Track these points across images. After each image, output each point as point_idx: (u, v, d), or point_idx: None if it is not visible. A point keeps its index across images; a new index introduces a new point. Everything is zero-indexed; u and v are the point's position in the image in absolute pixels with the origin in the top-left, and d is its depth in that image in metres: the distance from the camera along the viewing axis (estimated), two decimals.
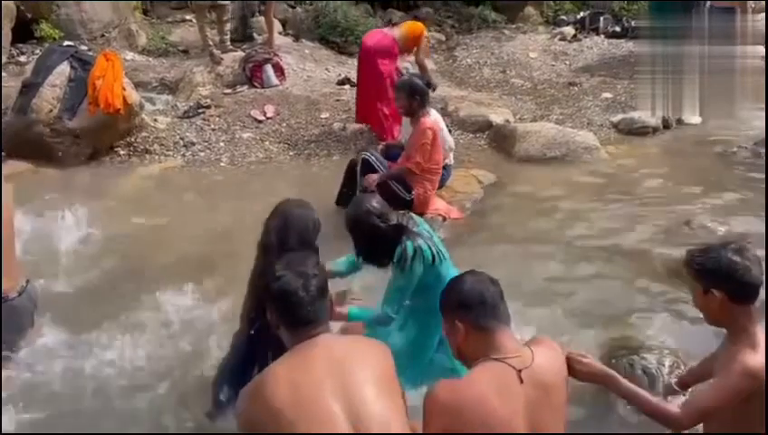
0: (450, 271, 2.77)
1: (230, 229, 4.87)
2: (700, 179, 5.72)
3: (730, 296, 1.96)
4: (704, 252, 2.04)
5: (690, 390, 2.45)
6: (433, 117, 4.98)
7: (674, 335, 3.47)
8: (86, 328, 3.52)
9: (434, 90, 5.99)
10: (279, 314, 1.78)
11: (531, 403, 1.72)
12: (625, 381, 2.05)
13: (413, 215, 2.99)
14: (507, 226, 4.99)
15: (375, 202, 2.77)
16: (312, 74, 8.10)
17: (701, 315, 3.66)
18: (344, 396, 1.63)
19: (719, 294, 1.97)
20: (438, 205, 5.06)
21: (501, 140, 6.73)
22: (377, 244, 2.71)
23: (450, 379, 1.85)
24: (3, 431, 1.72)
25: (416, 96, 4.86)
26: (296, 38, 9.00)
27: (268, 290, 1.80)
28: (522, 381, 1.71)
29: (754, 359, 1.91)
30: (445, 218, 5.00)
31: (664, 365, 3.06)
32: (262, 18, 8.62)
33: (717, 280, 1.97)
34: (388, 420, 1.64)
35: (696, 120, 7.29)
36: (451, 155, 5.52)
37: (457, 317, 1.81)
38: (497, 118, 7.10)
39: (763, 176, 5.77)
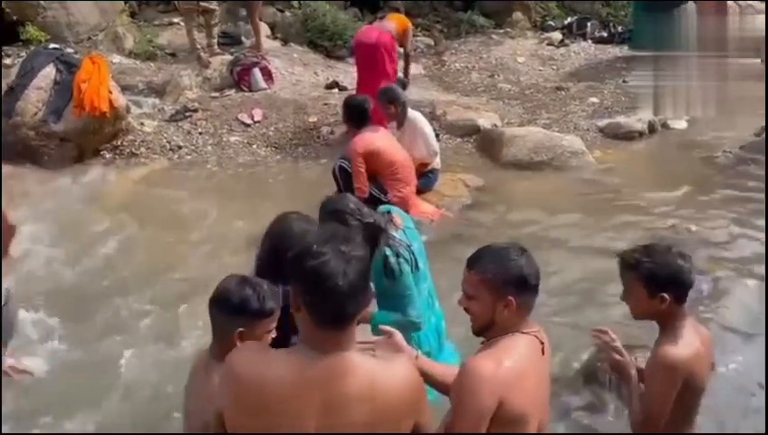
0: (421, 284, 2.73)
1: (217, 236, 4.86)
2: (685, 184, 5.76)
3: (676, 299, 2.03)
4: (649, 256, 2.06)
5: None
6: (411, 119, 5.02)
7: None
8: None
9: (405, 88, 6.02)
10: (304, 299, 1.46)
11: (546, 371, 1.85)
12: (634, 387, 2.08)
13: (399, 213, 2.97)
14: (494, 229, 5.00)
15: (348, 201, 2.70)
16: (301, 78, 8.10)
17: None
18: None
19: (668, 297, 2.02)
20: (425, 208, 5.08)
21: (488, 144, 6.75)
22: None
23: (482, 353, 1.75)
24: (3, 432, 1.66)
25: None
26: (285, 42, 8.99)
27: (298, 264, 1.46)
28: (543, 353, 1.81)
29: (676, 351, 2.01)
30: (432, 221, 5.01)
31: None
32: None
33: (668, 285, 2.02)
34: None
35: (682, 124, 7.36)
36: (438, 159, 5.54)
37: (512, 293, 1.76)
38: (485, 122, 7.12)
39: (747, 181, 5.85)
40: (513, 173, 6.14)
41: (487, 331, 1.81)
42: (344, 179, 4.91)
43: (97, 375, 3.28)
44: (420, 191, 5.26)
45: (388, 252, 2.58)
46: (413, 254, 2.69)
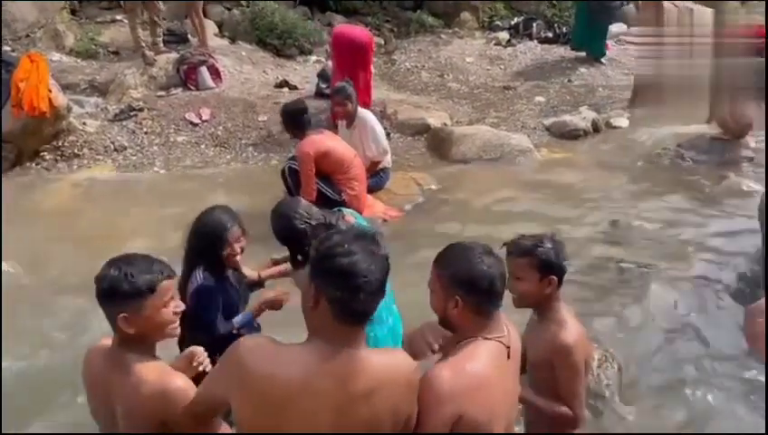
0: None
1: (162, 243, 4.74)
2: (627, 180, 5.96)
3: (559, 282, 2.16)
4: (541, 242, 2.16)
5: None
6: (362, 118, 5.03)
7: (603, 330, 3.60)
8: None
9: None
10: (331, 295, 1.49)
11: (513, 375, 1.85)
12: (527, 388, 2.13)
13: (350, 212, 2.98)
14: (445, 226, 5.06)
15: (296, 205, 2.76)
16: (250, 77, 8.00)
17: (627, 310, 3.87)
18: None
19: (554, 280, 2.14)
20: (376, 208, 5.10)
21: (438, 142, 6.83)
22: (305, 245, 2.70)
23: (442, 364, 1.72)
24: (3, 432, 1.61)
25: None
26: (233, 40, 8.86)
27: (325, 261, 1.51)
28: (509, 357, 1.79)
29: (569, 334, 2.12)
30: (384, 220, 5.03)
31: (594, 359, 3.15)
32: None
33: (555, 268, 2.13)
34: None
35: (624, 122, 7.59)
36: (389, 157, 5.57)
37: (460, 294, 1.74)
38: (435, 121, 7.20)
39: (687, 177, 6.10)
40: (462, 171, 6.22)
41: (447, 327, 1.82)
42: (294, 181, 4.89)
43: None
44: (372, 190, 5.29)
45: None
46: None
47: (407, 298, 2.80)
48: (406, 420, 1.60)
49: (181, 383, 1.73)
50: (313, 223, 2.68)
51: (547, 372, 2.12)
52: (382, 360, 1.58)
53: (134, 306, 1.72)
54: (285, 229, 2.72)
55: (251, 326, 2.68)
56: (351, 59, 6.39)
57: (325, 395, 1.47)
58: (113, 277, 1.73)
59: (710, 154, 6.37)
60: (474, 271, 1.74)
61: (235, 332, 2.57)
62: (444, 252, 1.84)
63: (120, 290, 1.72)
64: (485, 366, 1.70)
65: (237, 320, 2.65)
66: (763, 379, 2.86)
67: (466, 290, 1.74)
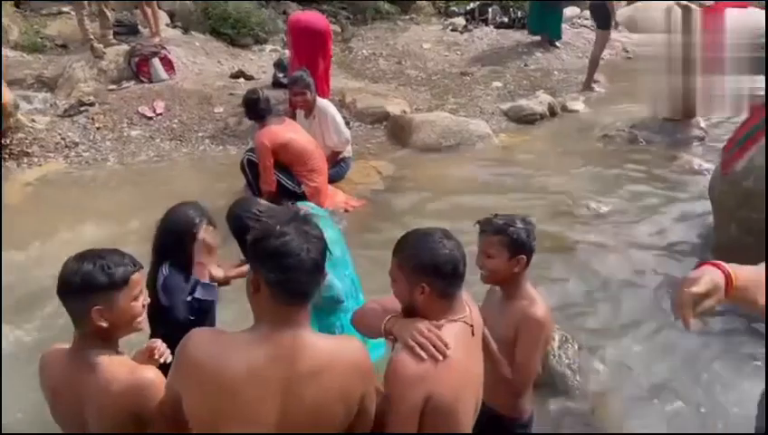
0: (337, 272, 2.77)
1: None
2: (583, 163, 6.07)
3: (528, 260, 2.22)
4: (512, 222, 2.23)
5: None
6: (322, 108, 4.96)
7: (563, 311, 3.68)
8: None
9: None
10: (267, 277, 1.51)
11: (478, 351, 1.88)
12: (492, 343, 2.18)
13: (308, 205, 2.96)
14: (406, 213, 5.08)
15: (250, 205, 2.74)
16: (204, 68, 7.85)
17: (588, 288, 3.96)
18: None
19: (523, 260, 2.20)
20: (337, 198, 5.08)
21: (398, 130, 6.83)
22: None
23: (406, 350, 1.71)
24: (3, 432, 1.58)
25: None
26: (185, 30, 8.66)
27: (260, 245, 1.54)
28: (473, 335, 1.83)
29: (540, 309, 2.19)
30: (346, 210, 5.02)
31: (554, 339, 3.23)
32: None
33: (525, 248, 2.20)
34: None
35: (580, 106, 7.72)
36: (349, 147, 5.56)
37: (426, 281, 1.75)
38: (394, 109, 7.19)
39: (641, 157, 6.24)
40: (422, 158, 6.24)
41: (413, 315, 1.82)
42: (253, 173, 4.83)
43: None
44: (333, 180, 5.26)
45: None
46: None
47: (374, 286, 2.81)
48: (361, 404, 1.60)
49: (152, 375, 1.73)
50: (264, 219, 2.66)
51: (512, 347, 2.17)
52: (328, 342, 1.60)
53: (108, 299, 1.72)
54: (239, 229, 2.70)
55: (210, 292, 2.64)
56: (310, 47, 6.31)
57: (270, 378, 1.48)
58: (87, 271, 1.71)
59: (662, 135, 6.55)
60: (437, 257, 1.75)
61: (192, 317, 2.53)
62: (403, 241, 1.84)
63: (96, 282, 1.71)
64: (452, 348, 1.72)
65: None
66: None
67: (432, 276, 1.75)
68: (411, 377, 1.64)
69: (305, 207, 2.86)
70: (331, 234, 2.78)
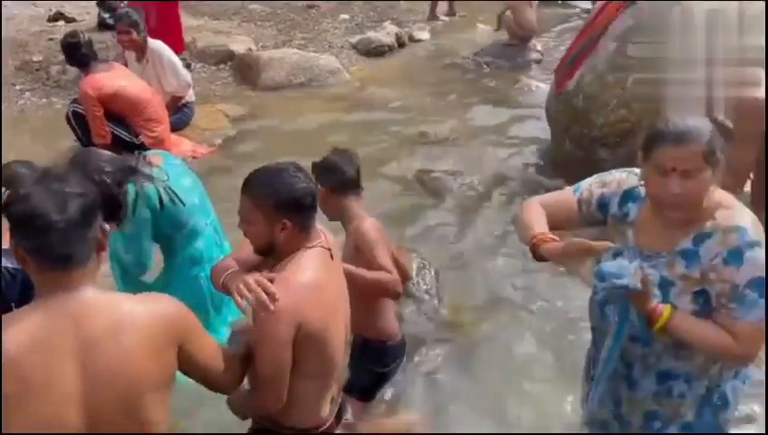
0: (197, 220, 2.64)
1: None
2: (432, 91, 6.19)
3: (355, 192, 2.37)
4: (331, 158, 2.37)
5: None
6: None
7: (418, 238, 3.78)
8: None
9: None
10: (24, 246, 1.38)
11: (340, 272, 1.88)
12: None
13: (157, 153, 2.75)
14: (260, 155, 4.88)
15: (90, 157, 2.46)
16: (15, 11, 6.94)
17: (440, 214, 4.08)
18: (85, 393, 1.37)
19: (354, 192, 2.35)
20: (184, 147, 4.78)
21: (245, 70, 6.53)
22: (108, 199, 2.47)
23: (276, 282, 1.67)
24: (3, 432, 1.36)
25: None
26: None
27: (9, 213, 1.39)
28: (332, 258, 1.81)
29: (368, 221, 2.32)
30: (194, 158, 4.75)
31: (413, 268, 3.31)
32: None
33: (352, 182, 2.36)
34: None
35: (426, 35, 7.81)
36: (191, 91, 5.20)
37: (288, 217, 1.70)
38: (239, 47, 6.84)
39: (485, 82, 6.47)
40: (273, 97, 6.04)
41: (270, 253, 1.78)
42: (80, 125, 4.39)
43: None
44: (176, 128, 4.93)
45: (130, 189, 2.44)
46: (172, 192, 2.54)
47: (237, 236, 2.69)
48: (183, 353, 1.50)
49: None
50: (109, 170, 2.40)
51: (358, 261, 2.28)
52: (123, 301, 1.47)
53: None
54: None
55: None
56: None
57: (59, 347, 1.37)
58: None
59: (503, 59, 6.83)
60: (296, 192, 1.71)
61: None
62: (254, 179, 1.75)
63: None
64: (315, 272, 1.72)
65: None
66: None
67: (293, 212, 1.71)
68: (281, 310, 1.61)
69: (157, 156, 2.66)
70: (186, 182, 2.64)
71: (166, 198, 2.49)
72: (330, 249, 1.82)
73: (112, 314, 1.41)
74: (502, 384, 2.79)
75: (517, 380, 2.80)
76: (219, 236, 2.76)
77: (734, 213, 1.61)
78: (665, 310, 1.61)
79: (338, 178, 2.38)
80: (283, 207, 1.69)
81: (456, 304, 3.26)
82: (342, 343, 1.83)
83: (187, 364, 1.51)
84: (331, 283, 1.79)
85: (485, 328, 3.12)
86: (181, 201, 2.57)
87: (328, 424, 1.82)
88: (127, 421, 1.40)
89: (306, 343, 1.67)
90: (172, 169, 2.62)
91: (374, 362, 2.39)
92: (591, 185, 1.83)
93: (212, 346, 1.59)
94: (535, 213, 1.86)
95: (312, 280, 1.70)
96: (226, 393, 1.71)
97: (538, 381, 2.79)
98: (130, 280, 2.67)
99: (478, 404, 2.69)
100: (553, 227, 1.83)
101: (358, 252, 2.27)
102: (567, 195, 1.86)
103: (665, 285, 1.65)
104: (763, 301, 1.56)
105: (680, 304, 1.63)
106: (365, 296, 2.21)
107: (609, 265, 1.61)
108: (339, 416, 1.91)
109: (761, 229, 1.60)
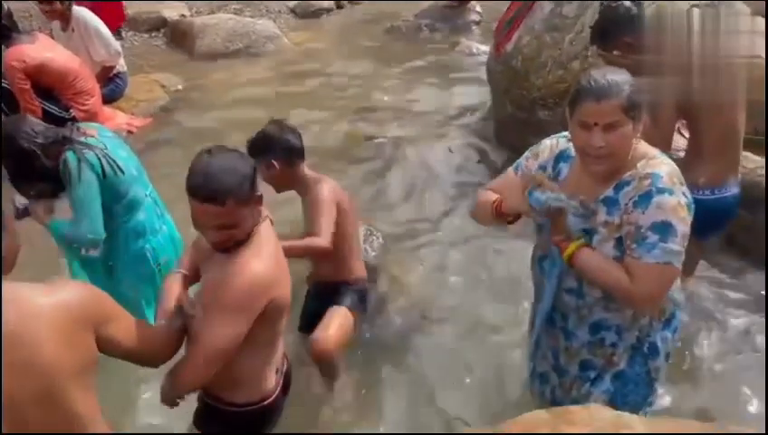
0: (137, 190, 2.57)
1: None
2: (376, 54, 6.13)
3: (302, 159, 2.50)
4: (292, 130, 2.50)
5: None
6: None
7: (367, 206, 3.78)
8: None
9: None
10: None
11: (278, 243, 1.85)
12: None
13: (91, 125, 2.65)
14: (197, 127, 4.78)
15: (22, 124, 2.40)
16: None
17: (387, 182, 4.08)
18: None
19: (298, 162, 2.49)
20: (118, 119, 4.61)
21: (180, 37, 6.31)
22: (36, 170, 2.38)
23: (245, 263, 1.62)
24: (3, 432, 1.26)
25: None
26: None
27: None
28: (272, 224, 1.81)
29: (325, 184, 2.48)
30: (130, 132, 4.59)
31: (360, 235, 3.31)
32: None
33: (297, 152, 2.49)
34: None
35: None
36: (122, 60, 4.98)
37: (258, 197, 1.67)
38: (171, 13, 6.61)
39: (426, 45, 6.44)
40: (210, 65, 5.87)
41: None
42: (6, 102, 4.16)
43: None
44: (109, 100, 4.74)
45: (70, 156, 2.36)
46: (112, 160, 2.46)
47: (177, 214, 2.64)
48: (101, 336, 1.45)
49: None
50: (42, 141, 2.36)
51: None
52: (20, 288, 1.37)
53: None
54: (14, 153, 2.35)
55: None
56: None
57: None
58: None
59: (443, 22, 6.81)
60: (239, 175, 1.63)
61: None
62: (219, 183, 1.58)
63: None
64: (273, 246, 1.72)
65: None
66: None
67: (247, 197, 1.64)
68: (259, 284, 1.61)
69: (91, 128, 2.55)
70: (123, 153, 2.56)
71: (107, 167, 2.41)
72: (271, 218, 1.82)
73: (20, 304, 1.35)
74: (453, 342, 2.84)
75: (469, 335, 2.85)
76: (159, 208, 2.71)
77: (655, 162, 1.68)
78: (574, 243, 1.71)
79: (284, 149, 2.43)
80: (254, 190, 1.66)
81: (402, 270, 3.29)
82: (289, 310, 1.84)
83: (109, 346, 1.47)
84: (280, 253, 1.78)
85: (430, 290, 3.16)
86: (121, 170, 2.49)
87: (274, 396, 1.82)
88: (47, 412, 1.35)
89: (271, 315, 1.67)
90: (108, 141, 2.54)
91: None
92: (528, 160, 1.90)
93: (131, 324, 1.54)
94: (487, 194, 1.94)
95: (275, 257, 1.70)
96: (154, 366, 1.66)
97: (492, 334, 2.85)
98: (91, 266, 2.60)
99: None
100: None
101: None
102: (510, 178, 1.92)
103: (588, 233, 1.73)
104: (664, 244, 1.60)
105: (603, 250, 1.70)
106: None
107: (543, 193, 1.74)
108: (286, 387, 1.91)
109: (678, 179, 1.66)
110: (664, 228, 1.61)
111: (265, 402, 1.79)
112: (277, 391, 1.83)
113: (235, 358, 1.64)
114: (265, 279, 1.63)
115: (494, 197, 1.90)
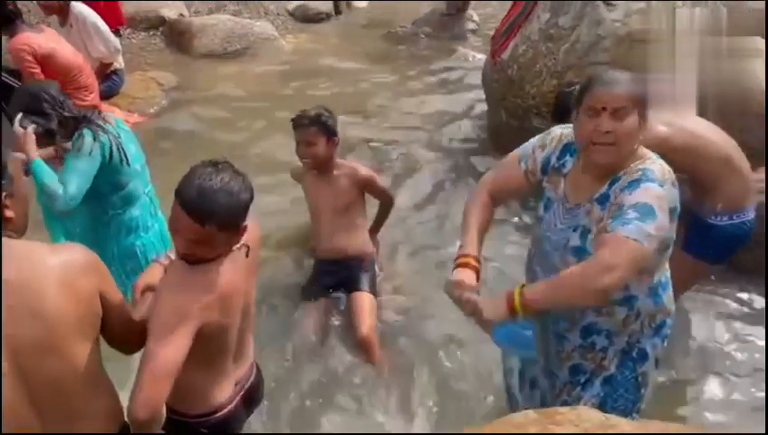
0: (139, 185, 2.60)
1: None
2: (373, 60, 6.17)
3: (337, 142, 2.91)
4: (320, 113, 2.80)
5: None
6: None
7: None
8: None
9: None
10: None
11: (251, 267, 1.76)
12: None
13: (111, 116, 2.68)
14: (193, 126, 4.80)
15: (50, 88, 2.51)
16: None
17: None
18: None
19: (337, 140, 2.88)
20: (116, 115, 4.60)
21: (178, 36, 6.32)
22: (45, 129, 2.46)
23: (173, 288, 1.59)
24: (3, 432, 1.29)
25: None
26: None
27: None
28: (247, 256, 1.72)
29: (365, 168, 2.96)
30: None
31: None
32: None
33: (335, 132, 2.86)
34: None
35: (363, 3, 7.74)
36: (120, 58, 5.00)
37: (228, 232, 1.58)
38: (170, 12, 6.61)
39: (423, 52, 6.49)
40: (207, 65, 5.89)
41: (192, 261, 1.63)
42: (3, 95, 4.14)
43: None
44: (106, 97, 4.75)
45: (87, 132, 2.42)
46: (122, 149, 2.51)
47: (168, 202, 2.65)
48: (106, 306, 1.50)
49: None
50: (64, 111, 2.47)
51: (356, 204, 2.95)
52: (29, 245, 1.43)
53: None
54: (31, 108, 2.44)
55: None
56: None
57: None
58: None
59: (441, 29, 6.86)
60: (233, 205, 1.56)
61: None
62: (206, 201, 1.52)
63: None
64: (230, 275, 1.64)
65: None
66: None
67: (231, 227, 1.58)
68: (185, 315, 1.54)
69: (110, 117, 2.62)
70: (132, 148, 2.60)
71: (116, 154, 2.46)
72: (248, 246, 1.71)
73: (29, 256, 1.40)
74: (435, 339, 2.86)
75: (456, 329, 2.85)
76: (154, 206, 2.74)
77: (649, 162, 1.71)
78: (514, 294, 1.66)
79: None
80: (242, 220, 1.59)
81: (395, 272, 3.31)
82: (238, 318, 1.73)
83: (105, 312, 1.50)
84: (236, 276, 1.67)
85: (426, 290, 3.17)
86: (128, 162, 2.52)
87: (227, 409, 1.77)
88: (47, 361, 1.39)
89: (209, 336, 1.61)
90: (123, 133, 2.58)
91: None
92: (534, 151, 1.90)
93: (122, 299, 1.59)
94: (475, 216, 1.92)
95: (227, 283, 1.62)
96: (128, 353, 1.66)
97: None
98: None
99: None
100: (507, 198, 2.09)
101: (355, 186, 2.89)
102: (514, 170, 1.92)
103: (584, 234, 1.75)
104: (640, 223, 1.57)
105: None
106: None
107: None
108: (249, 398, 1.88)
109: (669, 177, 1.69)
110: (645, 210, 1.59)
111: (218, 414, 1.75)
112: (233, 404, 1.79)
113: (184, 370, 1.54)
114: (192, 309, 1.54)
115: (472, 229, 1.91)
